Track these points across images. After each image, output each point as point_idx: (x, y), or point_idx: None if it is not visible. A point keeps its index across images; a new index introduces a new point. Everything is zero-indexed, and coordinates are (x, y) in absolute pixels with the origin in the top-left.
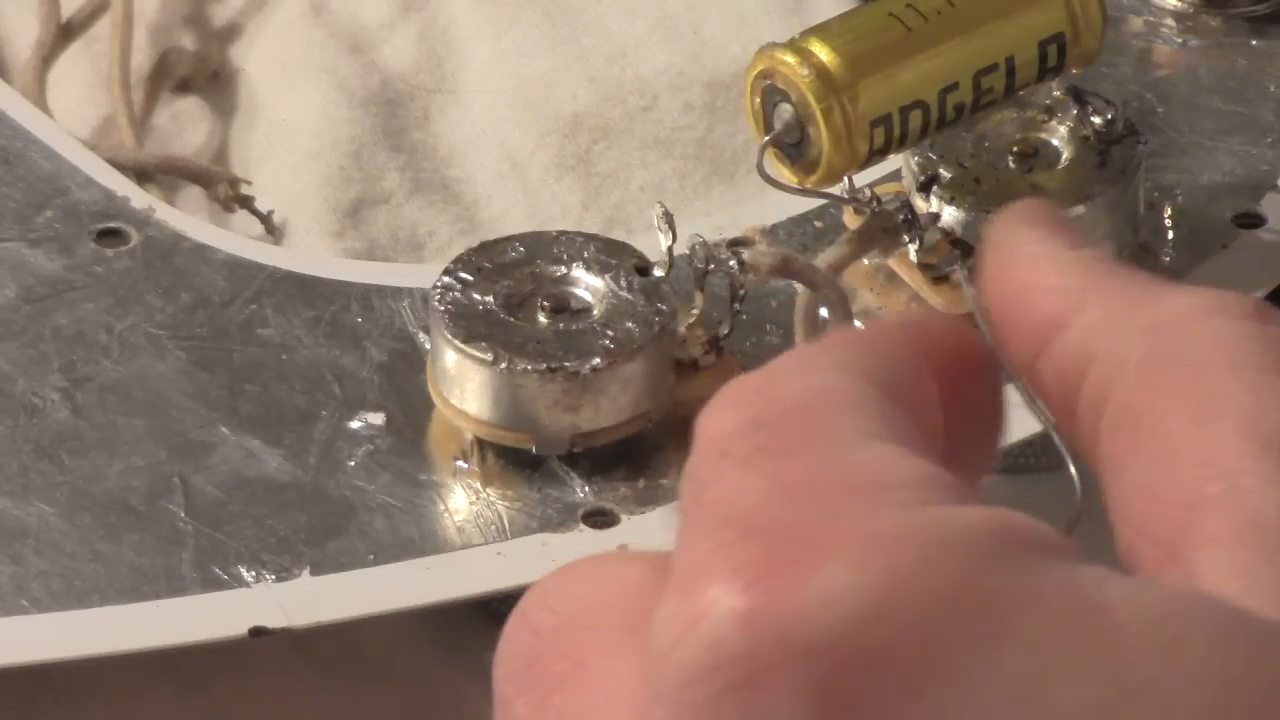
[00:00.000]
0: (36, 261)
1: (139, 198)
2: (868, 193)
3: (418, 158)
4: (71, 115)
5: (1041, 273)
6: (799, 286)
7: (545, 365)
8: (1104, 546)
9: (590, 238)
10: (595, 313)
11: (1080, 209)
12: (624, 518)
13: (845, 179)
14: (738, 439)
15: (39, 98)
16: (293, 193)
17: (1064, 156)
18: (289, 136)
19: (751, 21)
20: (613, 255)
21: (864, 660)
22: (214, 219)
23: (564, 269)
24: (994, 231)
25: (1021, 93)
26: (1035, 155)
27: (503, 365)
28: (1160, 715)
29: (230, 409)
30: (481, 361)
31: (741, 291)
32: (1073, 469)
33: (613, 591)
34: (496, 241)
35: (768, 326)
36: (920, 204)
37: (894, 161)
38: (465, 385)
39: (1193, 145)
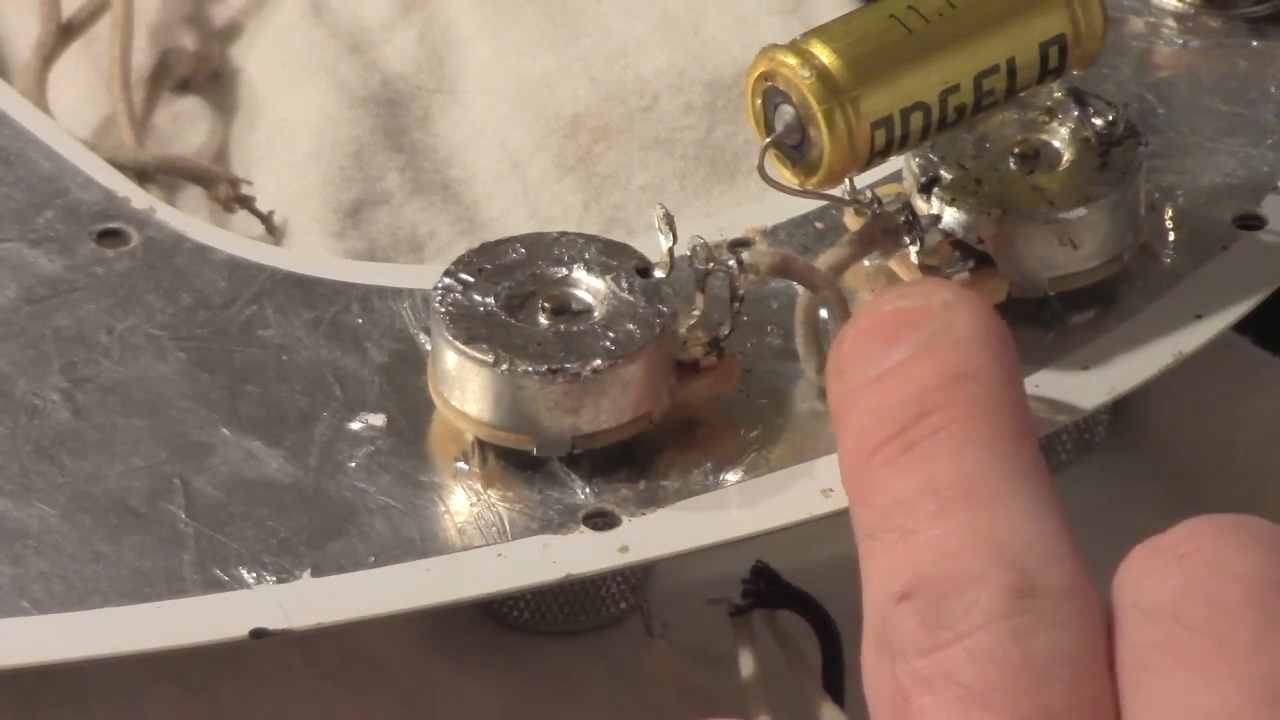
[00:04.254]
0: (37, 262)
1: (139, 198)
2: (869, 194)
3: (418, 158)
4: (71, 115)
5: None
6: (800, 288)
7: (546, 367)
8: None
9: (591, 239)
10: (596, 314)
11: (1081, 211)
12: (625, 519)
13: (846, 180)
14: None
15: (39, 98)
16: (293, 193)
17: (1065, 158)
18: (289, 136)
19: (751, 22)
20: (613, 256)
21: None
22: (214, 219)
23: (565, 270)
24: None
25: (1023, 94)
26: (1036, 157)
27: (503, 367)
28: None
29: (231, 410)
30: (482, 363)
31: (740, 291)
32: None
33: None
34: (497, 243)
35: (769, 328)
36: (921, 205)
37: (895, 163)
38: (466, 386)
39: (1193, 146)
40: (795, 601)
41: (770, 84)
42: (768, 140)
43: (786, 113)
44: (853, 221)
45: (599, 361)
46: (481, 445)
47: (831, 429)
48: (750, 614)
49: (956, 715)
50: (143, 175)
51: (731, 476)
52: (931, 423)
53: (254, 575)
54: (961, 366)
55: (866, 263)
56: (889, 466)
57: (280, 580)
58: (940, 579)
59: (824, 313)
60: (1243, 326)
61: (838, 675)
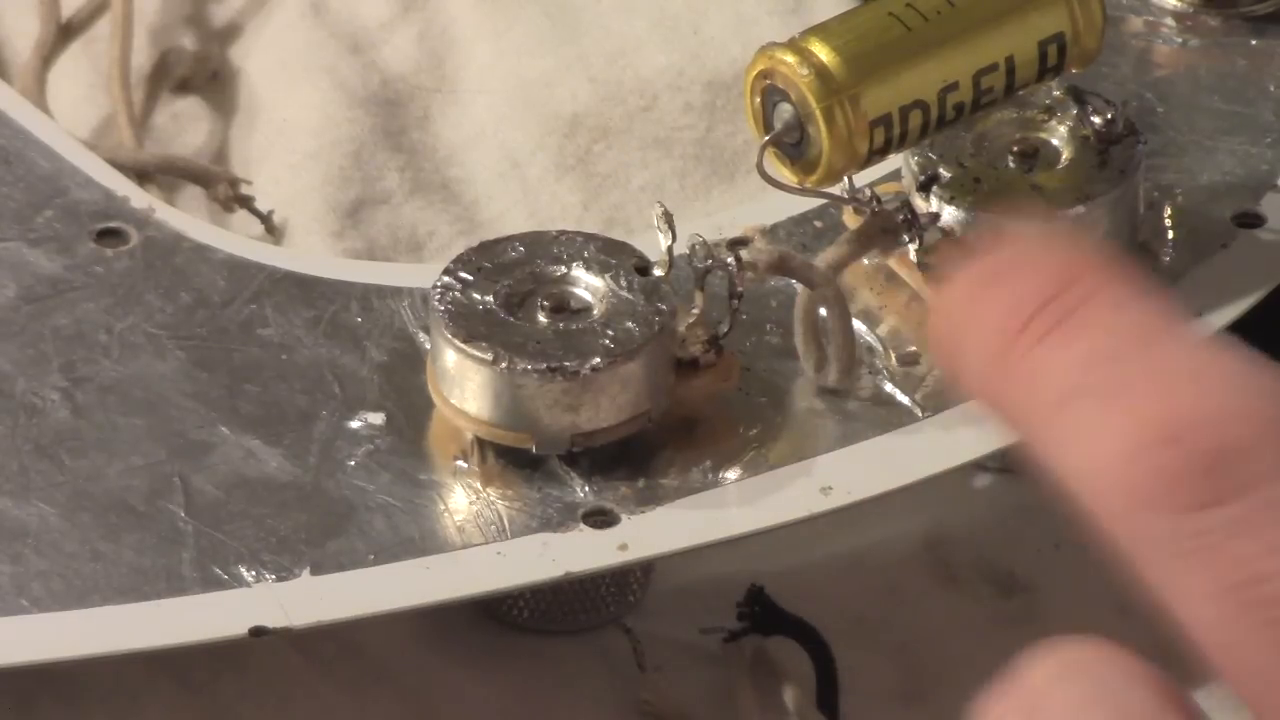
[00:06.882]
0: (36, 261)
1: (139, 198)
2: (867, 192)
3: (418, 158)
4: (71, 115)
5: None
6: (799, 286)
7: (545, 365)
8: None
9: (590, 237)
10: (595, 312)
11: (1080, 209)
12: (624, 517)
13: (845, 179)
14: None
15: (39, 98)
16: (293, 193)
17: (1064, 156)
18: (289, 136)
19: (751, 21)
20: (613, 255)
21: None
22: (214, 219)
23: (564, 269)
24: None
25: (1021, 92)
26: (1035, 155)
27: (503, 365)
28: None
29: (230, 409)
30: (481, 361)
31: (739, 289)
32: None
33: None
34: (496, 241)
35: (768, 326)
36: (920, 203)
37: (894, 161)
38: (465, 385)
39: (1192, 145)
40: (790, 626)
41: (769, 82)
42: (767, 139)
43: (785, 111)
44: (852, 220)
45: (598, 360)
46: (481, 443)
47: (945, 365)
48: (745, 639)
49: None
50: (142, 175)
51: (731, 474)
52: (1080, 290)
53: (253, 573)
54: (1082, 258)
55: (866, 261)
56: (1056, 334)
57: (280, 578)
58: (1203, 414)
59: (823, 311)
60: (1242, 325)
61: (833, 699)
